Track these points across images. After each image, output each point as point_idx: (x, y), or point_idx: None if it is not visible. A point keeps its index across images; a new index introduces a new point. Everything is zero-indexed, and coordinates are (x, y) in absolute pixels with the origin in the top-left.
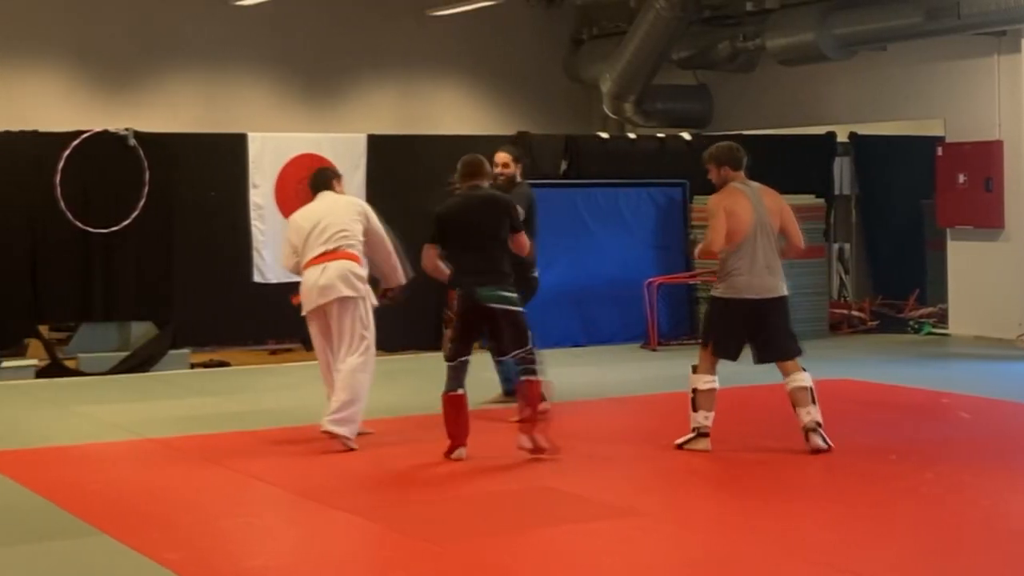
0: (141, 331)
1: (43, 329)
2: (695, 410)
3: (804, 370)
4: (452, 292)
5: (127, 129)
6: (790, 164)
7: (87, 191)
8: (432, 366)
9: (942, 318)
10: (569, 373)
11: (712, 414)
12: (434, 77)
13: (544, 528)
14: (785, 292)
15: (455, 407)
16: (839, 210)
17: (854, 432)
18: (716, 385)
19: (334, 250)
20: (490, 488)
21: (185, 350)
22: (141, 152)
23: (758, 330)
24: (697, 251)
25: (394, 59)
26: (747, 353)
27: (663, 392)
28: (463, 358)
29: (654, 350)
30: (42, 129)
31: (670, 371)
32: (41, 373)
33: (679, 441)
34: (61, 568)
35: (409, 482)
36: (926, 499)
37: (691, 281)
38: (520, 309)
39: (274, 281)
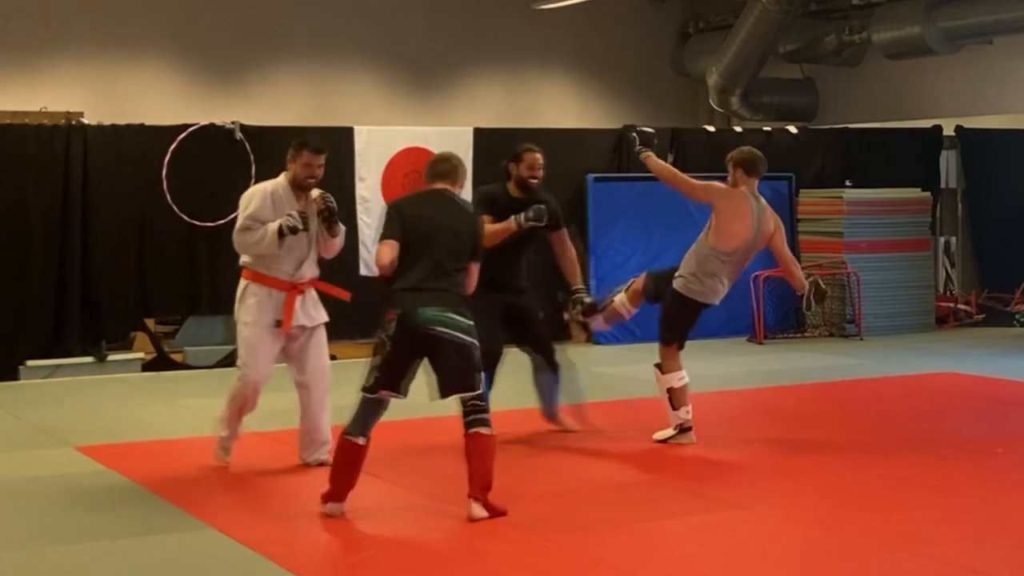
0: None
1: (150, 322)
2: (675, 408)
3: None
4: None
5: (233, 122)
6: (896, 158)
7: (193, 185)
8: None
9: None
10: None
11: (690, 407)
12: (540, 71)
13: (650, 522)
14: None
15: (353, 456)
16: (945, 204)
17: (960, 426)
18: (687, 380)
19: None
20: (596, 481)
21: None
22: (247, 145)
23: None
24: (650, 161)
25: (501, 52)
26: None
27: (769, 386)
28: (387, 392)
29: (760, 344)
30: (148, 123)
31: (776, 365)
32: (147, 366)
33: (661, 436)
34: (168, 561)
35: (514, 475)
36: None
37: None
38: (473, 341)
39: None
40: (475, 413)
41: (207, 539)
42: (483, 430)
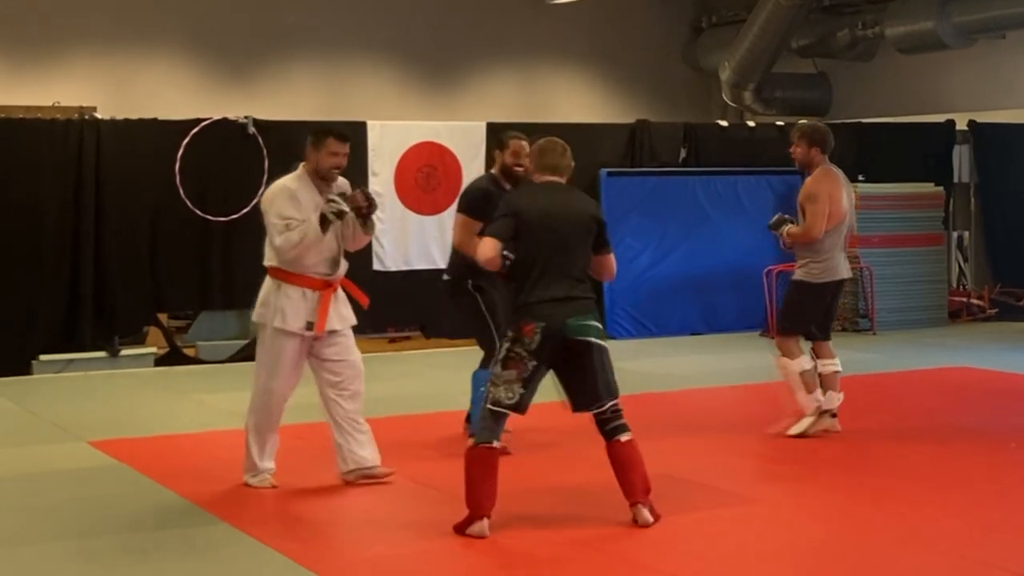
0: None
1: (162, 317)
2: (810, 391)
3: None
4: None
5: (247, 117)
6: (909, 152)
7: (206, 179)
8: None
9: None
10: (688, 361)
11: (819, 392)
12: (553, 65)
13: (665, 517)
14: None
15: (487, 465)
16: (958, 198)
17: (974, 420)
18: (812, 364)
19: None
20: (606, 477)
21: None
22: (260, 140)
23: (827, 311)
24: (791, 236)
25: (513, 47)
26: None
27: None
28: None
29: (773, 338)
30: (161, 117)
31: None
32: (160, 361)
33: (798, 429)
34: (181, 556)
35: (522, 471)
36: None
37: None
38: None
39: (393, 269)
40: (615, 420)
41: (220, 533)
42: (627, 436)
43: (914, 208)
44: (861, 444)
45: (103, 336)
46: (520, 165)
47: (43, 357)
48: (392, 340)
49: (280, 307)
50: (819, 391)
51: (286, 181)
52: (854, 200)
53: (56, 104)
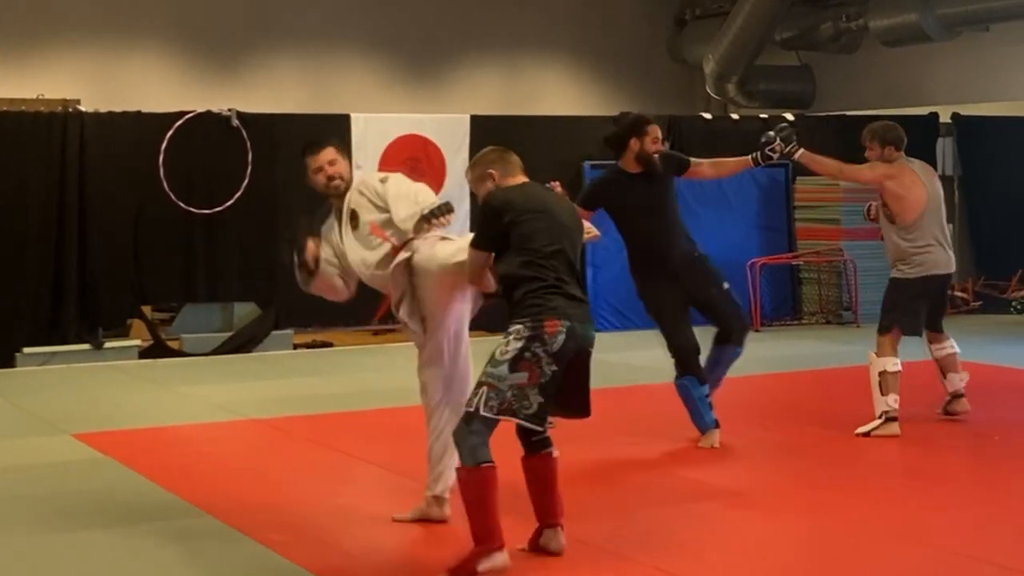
0: (244, 312)
1: (146, 310)
2: (884, 393)
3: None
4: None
5: (230, 110)
6: None
7: (190, 172)
8: None
9: None
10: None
11: (898, 397)
12: (537, 58)
13: (647, 509)
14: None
15: (494, 485)
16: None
17: (965, 416)
18: (901, 368)
19: None
20: (589, 468)
21: (288, 331)
22: (244, 133)
23: (930, 307)
24: (828, 167)
25: (498, 40)
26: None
27: (765, 373)
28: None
29: (757, 331)
30: (145, 110)
31: (773, 352)
32: (144, 354)
33: (865, 429)
34: (165, 549)
35: (505, 464)
36: None
37: (794, 262)
38: None
39: None
40: (546, 433)
41: (204, 526)
42: (555, 450)
43: None
44: (845, 438)
45: (87, 329)
46: (660, 151)
47: (26, 350)
48: (376, 333)
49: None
50: (894, 395)
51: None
52: (941, 193)
53: (40, 97)
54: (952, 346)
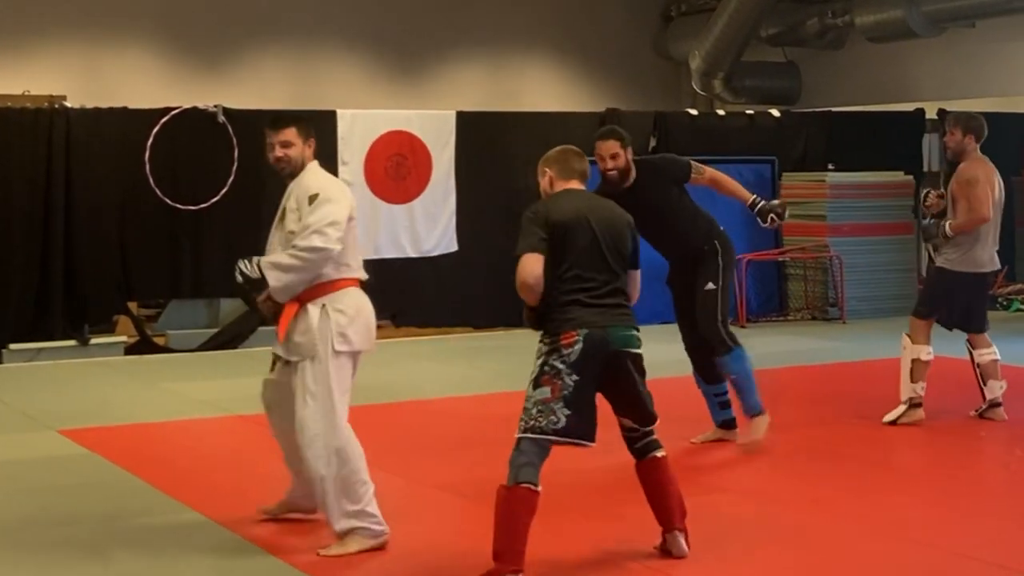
0: (230, 308)
1: (132, 306)
2: (913, 380)
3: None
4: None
5: (216, 106)
6: (879, 141)
7: (176, 168)
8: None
9: None
10: (658, 350)
11: (924, 385)
12: (523, 54)
13: (630, 505)
14: None
15: (529, 509)
16: (928, 187)
17: (942, 409)
18: (932, 358)
19: None
20: (574, 465)
21: (274, 327)
22: (230, 129)
23: (968, 303)
24: (955, 229)
25: (483, 36)
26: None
27: (754, 369)
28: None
29: (743, 327)
30: (131, 106)
31: (760, 348)
32: (130, 350)
33: (891, 417)
34: (151, 544)
35: (492, 464)
36: (1017, 476)
37: (780, 258)
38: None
39: (363, 258)
40: (650, 435)
41: (190, 521)
42: (662, 452)
43: (884, 197)
44: (831, 433)
45: (73, 325)
46: (614, 168)
47: (13, 346)
48: None
49: (354, 327)
50: (922, 383)
51: None
52: (1002, 193)
53: (26, 93)
54: (995, 353)
